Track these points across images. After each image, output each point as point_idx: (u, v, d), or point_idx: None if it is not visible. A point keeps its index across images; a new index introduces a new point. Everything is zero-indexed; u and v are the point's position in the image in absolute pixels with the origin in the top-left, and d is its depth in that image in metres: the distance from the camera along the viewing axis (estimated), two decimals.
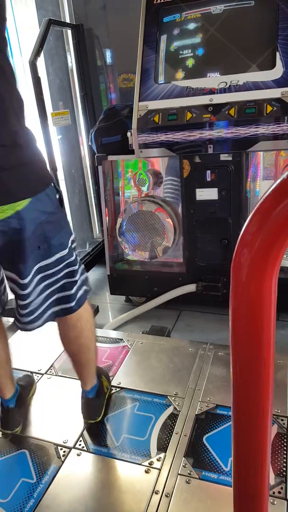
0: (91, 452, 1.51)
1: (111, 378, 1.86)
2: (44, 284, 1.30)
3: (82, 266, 1.42)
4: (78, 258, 1.39)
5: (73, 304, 1.38)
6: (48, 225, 1.20)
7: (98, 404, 1.63)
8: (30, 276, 1.24)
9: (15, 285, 1.28)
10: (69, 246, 1.31)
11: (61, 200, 1.26)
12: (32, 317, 1.33)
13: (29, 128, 1.16)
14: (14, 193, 1.09)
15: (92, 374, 1.59)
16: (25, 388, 1.75)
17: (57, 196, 1.24)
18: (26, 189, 1.11)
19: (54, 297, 1.35)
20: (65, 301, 1.37)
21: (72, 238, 1.34)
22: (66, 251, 1.29)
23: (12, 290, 1.32)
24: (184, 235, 2.34)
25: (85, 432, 1.59)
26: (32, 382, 1.84)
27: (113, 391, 1.79)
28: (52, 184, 1.21)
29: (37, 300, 1.31)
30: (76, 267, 1.36)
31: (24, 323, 1.36)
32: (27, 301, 1.29)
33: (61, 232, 1.27)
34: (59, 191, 1.26)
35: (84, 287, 1.43)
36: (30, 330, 1.37)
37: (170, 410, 1.66)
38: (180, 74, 2.12)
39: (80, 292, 1.40)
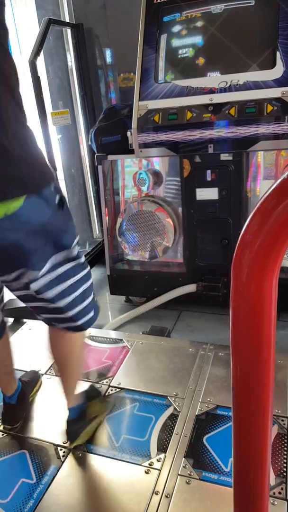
0: (91, 453, 1.50)
1: (111, 378, 1.85)
2: (64, 285, 1.24)
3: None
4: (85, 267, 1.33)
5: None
6: (48, 226, 1.16)
7: (74, 427, 1.52)
8: (44, 270, 1.18)
9: (27, 280, 1.20)
10: (74, 247, 1.26)
11: (61, 202, 1.20)
12: (71, 314, 1.28)
13: (27, 125, 1.12)
14: (6, 191, 1.05)
15: (72, 392, 1.50)
16: (28, 384, 1.75)
17: (58, 197, 1.19)
18: (19, 189, 1.07)
19: (85, 302, 1.30)
20: (91, 308, 1.33)
21: (75, 242, 1.28)
22: (73, 253, 1.25)
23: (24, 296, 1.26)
24: (184, 235, 2.34)
25: None
26: (37, 378, 1.83)
27: (113, 392, 1.78)
28: (52, 185, 1.17)
29: (65, 300, 1.25)
30: (87, 270, 1.31)
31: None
32: (49, 297, 1.22)
33: (66, 235, 1.22)
34: (59, 192, 1.21)
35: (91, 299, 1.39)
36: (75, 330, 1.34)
37: (170, 410, 1.65)
38: (180, 73, 2.12)
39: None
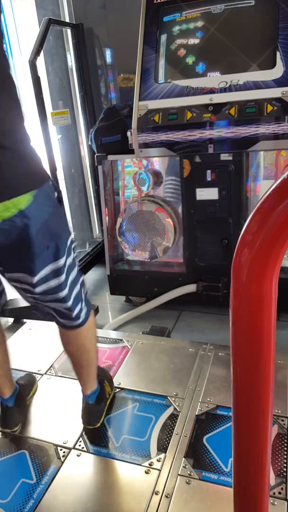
0: (91, 453, 1.50)
1: None
2: (69, 281, 1.30)
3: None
4: (76, 262, 1.38)
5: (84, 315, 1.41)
6: (52, 223, 1.19)
7: (97, 410, 1.60)
8: (41, 275, 1.21)
9: (28, 286, 1.24)
10: (68, 246, 1.29)
11: (59, 198, 1.25)
12: (76, 312, 1.35)
13: (24, 124, 1.14)
14: (14, 187, 1.08)
15: (92, 378, 1.56)
16: (25, 387, 1.75)
17: (56, 194, 1.23)
18: (28, 183, 1.10)
19: (84, 293, 1.38)
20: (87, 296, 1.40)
21: (71, 237, 1.32)
22: (67, 252, 1.27)
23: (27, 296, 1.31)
24: (184, 235, 2.34)
25: (84, 433, 1.59)
26: (33, 382, 1.83)
27: (113, 392, 1.78)
28: (50, 182, 1.20)
29: (72, 296, 1.31)
30: (76, 271, 1.35)
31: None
32: (61, 296, 1.29)
33: (64, 231, 1.26)
34: (57, 189, 1.25)
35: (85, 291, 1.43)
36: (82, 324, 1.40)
37: (170, 410, 1.65)
38: (180, 73, 2.11)
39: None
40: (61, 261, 1.24)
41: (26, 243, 1.15)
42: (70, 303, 1.31)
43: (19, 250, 1.16)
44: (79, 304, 1.36)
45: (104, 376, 1.72)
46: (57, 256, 1.22)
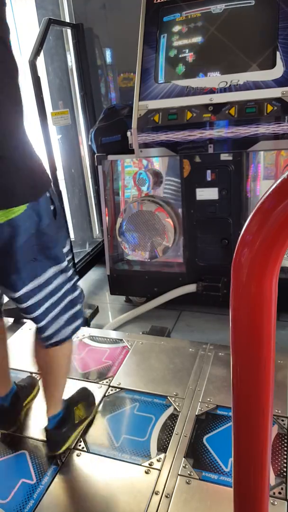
0: (91, 453, 1.50)
1: (111, 378, 1.85)
2: (50, 302, 1.25)
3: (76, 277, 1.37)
4: (74, 276, 1.34)
5: (81, 320, 1.36)
6: (43, 237, 1.15)
7: (57, 434, 1.47)
8: (25, 290, 1.18)
9: (13, 300, 1.22)
10: (66, 259, 1.25)
11: (55, 211, 1.19)
12: (49, 333, 1.30)
13: (26, 132, 1.12)
14: (8, 198, 1.05)
15: (55, 402, 1.47)
16: (24, 389, 1.73)
17: (52, 207, 1.18)
18: (22, 196, 1.07)
19: (67, 315, 1.31)
20: (78, 317, 1.34)
21: (65, 251, 1.26)
22: (63, 264, 1.24)
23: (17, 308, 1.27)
24: (184, 235, 2.34)
25: (85, 433, 1.58)
26: (34, 384, 1.80)
27: (113, 392, 1.78)
28: (48, 194, 1.16)
29: (48, 317, 1.26)
30: (74, 280, 1.32)
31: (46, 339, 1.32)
32: (34, 315, 1.24)
33: (57, 245, 1.22)
34: (54, 202, 1.20)
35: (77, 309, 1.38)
36: (55, 345, 1.34)
37: (170, 410, 1.65)
38: (180, 73, 2.11)
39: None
40: (47, 274, 1.20)
41: (10, 254, 1.11)
42: (43, 322, 1.26)
43: (2, 260, 1.13)
44: (54, 325, 1.29)
45: (81, 399, 1.63)
46: (43, 270, 1.19)
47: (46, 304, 1.25)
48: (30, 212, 1.09)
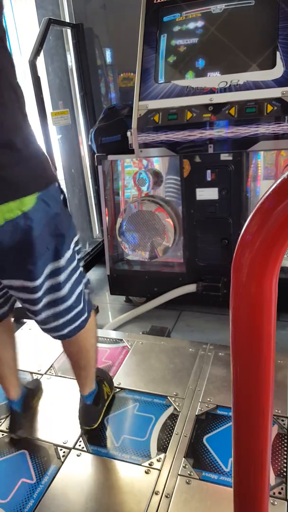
0: (91, 453, 1.50)
1: None
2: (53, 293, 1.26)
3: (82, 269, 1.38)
4: (80, 263, 1.35)
5: (86, 315, 1.37)
6: (55, 225, 1.17)
7: (95, 410, 1.59)
8: (41, 279, 1.19)
9: (25, 293, 1.22)
10: (72, 248, 1.26)
11: (65, 200, 1.23)
12: (52, 325, 1.31)
13: (29, 124, 1.13)
14: (19, 188, 1.06)
15: (91, 379, 1.55)
16: (32, 392, 1.75)
17: (62, 197, 1.21)
18: (33, 184, 1.09)
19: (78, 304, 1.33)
20: (79, 316, 1.34)
21: (75, 239, 1.29)
22: (70, 253, 1.25)
23: (23, 302, 1.27)
24: (184, 235, 2.34)
25: (84, 433, 1.58)
26: (39, 387, 1.83)
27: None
28: (57, 183, 1.19)
29: (46, 307, 1.27)
30: (79, 270, 1.32)
31: (48, 331, 1.35)
32: (39, 307, 1.25)
33: (68, 233, 1.23)
34: (63, 192, 1.23)
35: (87, 291, 1.40)
36: (59, 338, 1.37)
37: (170, 410, 1.65)
38: (180, 73, 2.11)
39: (86, 297, 1.38)
40: (61, 262, 1.22)
41: (27, 246, 1.12)
42: (70, 301, 1.28)
43: (19, 253, 1.14)
44: (80, 305, 1.33)
45: (103, 377, 1.72)
46: (57, 257, 1.20)
47: (69, 284, 1.26)
48: (41, 202, 1.11)
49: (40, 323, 1.32)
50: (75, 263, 1.28)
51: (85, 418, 1.58)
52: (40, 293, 1.21)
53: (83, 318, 1.36)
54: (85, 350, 1.46)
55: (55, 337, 1.37)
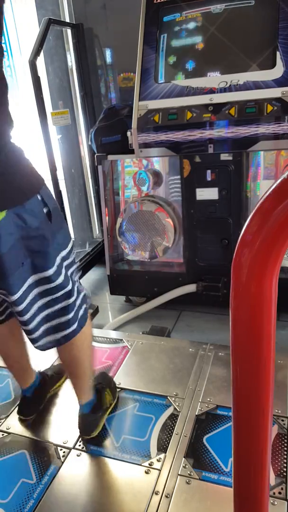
0: (91, 453, 1.50)
1: None
2: (39, 304, 1.23)
3: (78, 283, 1.34)
4: (74, 277, 1.31)
5: (74, 327, 1.31)
6: (30, 241, 1.13)
7: (93, 419, 1.55)
8: (20, 293, 1.16)
9: (9, 302, 1.21)
10: (57, 264, 1.21)
11: (49, 214, 1.17)
12: (34, 336, 1.28)
13: (10, 138, 1.09)
14: None
15: (87, 389, 1.52)
16: (51, 378, 1.77)
17: (46, 210, 1.16)
18: (4, 201, 1.05)
19: (52, 323, 1.28)
20: (65, 327, 1.29)
21: (63, 254, 1.24)
22: (53, 269, 1.20)
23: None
24: (184, 235, 2.34)
25: None
26: (62, 373, 1.83)
27: None
28: (39, 196, 1.14)
29: (35, 321, 1.25)
30: (70, 287, 1.26)
31: (32, 341, 1.31)
32: (25, 318, 1.22)
33: (49, 248, 1.18)
34: (48, 204, 1.17)
35: (83, 306, 1.35)
36: (40, 350, 1.33)
37: (170, 410, 1.65)
38: (180, 73, 2.11)
39: (80, 312, 1.33)
40: (45, 274, 1.18)
41: None
42: (31, 325, 1.25)
43: None
44: (72, 312, 1.29)
45: (106, 385, 1.69)
46: (36, 271, 1.17)
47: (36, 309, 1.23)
48: (12, 217, 1.07)
49: (27, 332, 1.29)
50: (62, 277, 1.23)
51: (83, 427, 1.55)
52: (23, 306, 1.19)
53: (66, 332, 1.30)
54: (79, 361, 1.42)
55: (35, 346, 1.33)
